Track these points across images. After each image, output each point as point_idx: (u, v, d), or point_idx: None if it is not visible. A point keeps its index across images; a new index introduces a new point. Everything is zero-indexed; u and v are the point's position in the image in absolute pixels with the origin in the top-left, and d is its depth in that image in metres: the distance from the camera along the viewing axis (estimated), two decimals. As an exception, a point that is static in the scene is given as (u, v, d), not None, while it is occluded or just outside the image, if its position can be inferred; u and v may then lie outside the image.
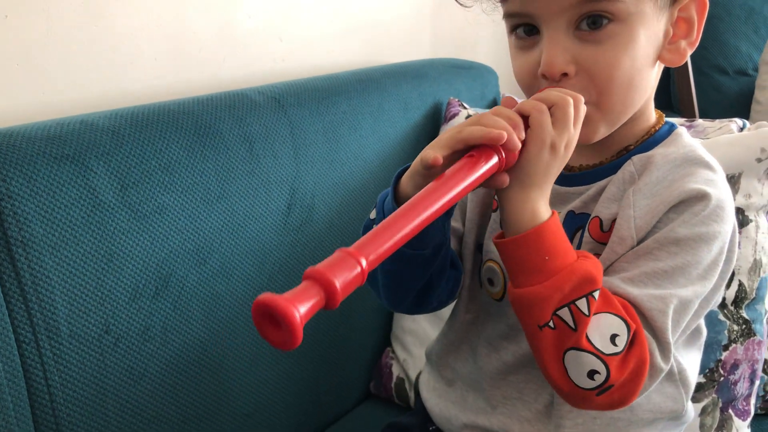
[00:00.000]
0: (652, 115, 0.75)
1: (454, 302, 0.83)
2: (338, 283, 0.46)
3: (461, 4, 0.76)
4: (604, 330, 0.63)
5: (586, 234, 0.72)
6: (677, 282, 0.66)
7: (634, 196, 0.70)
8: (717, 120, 1.21)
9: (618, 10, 0.66)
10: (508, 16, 0.71)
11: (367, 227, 0.73)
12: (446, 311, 0.86)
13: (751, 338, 1.00)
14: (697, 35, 0.72)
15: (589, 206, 0.73)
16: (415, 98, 1.27)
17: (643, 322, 0.65)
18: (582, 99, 0.65)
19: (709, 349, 0.97)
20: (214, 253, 0.93)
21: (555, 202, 0.72)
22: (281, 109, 1.05)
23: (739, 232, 0.91)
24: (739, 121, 1.21)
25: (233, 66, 1.19)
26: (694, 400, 0.95)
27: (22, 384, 0.76)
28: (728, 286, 0.99)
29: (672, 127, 0.75)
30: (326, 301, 0.46)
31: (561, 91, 0.65)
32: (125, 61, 1.04)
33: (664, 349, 0.66)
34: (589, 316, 0.62)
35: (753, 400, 1.00)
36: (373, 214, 0.73)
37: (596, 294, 0.63)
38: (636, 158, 0.72)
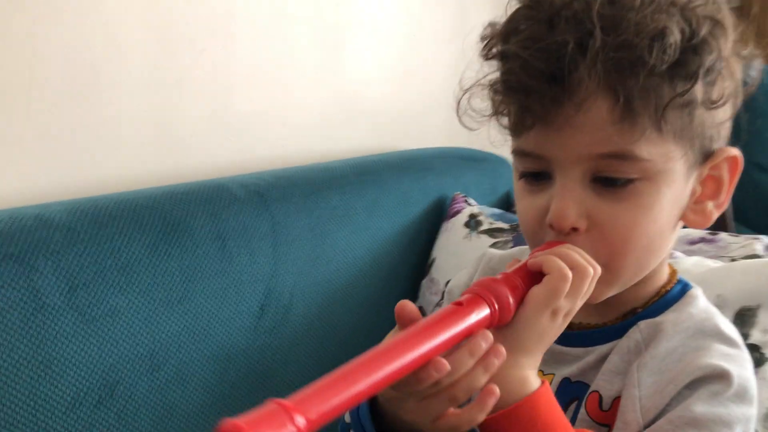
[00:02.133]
0: (665, 273, 0.66)
1: None
2: None
3: (467, 127, 0.68)
4: None
5: (583, 410, 0.63)
6: None
7: (638, 372, 0.60)
8: (742, 236, 1.13)
9: (644, 168, 0.58)
10: (519, 153, 0.62)
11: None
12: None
13: (764, 495, 0.88)
14: (726, 197, 0.63)
15: (587, 375, 0.64)
16: (417, 192, 1.21)
17: None
18: (600, 272, 0.58)
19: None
20: (169, 359, 0.87)
21: (548, 361, 0.63)
22: (263, 203, 1.00)
23: (755, 373, 0.81)
24: (765, 239, 1.12)
25: (228, 151, 1.15)
26: None
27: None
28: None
29: (685, 287, 0.66)
30: None
31: (582, 256, 0.57)
32: (108, 145, 1.01)
33: None
34: None
35: None
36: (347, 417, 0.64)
37: None
38: (643, 324, 0.63)
